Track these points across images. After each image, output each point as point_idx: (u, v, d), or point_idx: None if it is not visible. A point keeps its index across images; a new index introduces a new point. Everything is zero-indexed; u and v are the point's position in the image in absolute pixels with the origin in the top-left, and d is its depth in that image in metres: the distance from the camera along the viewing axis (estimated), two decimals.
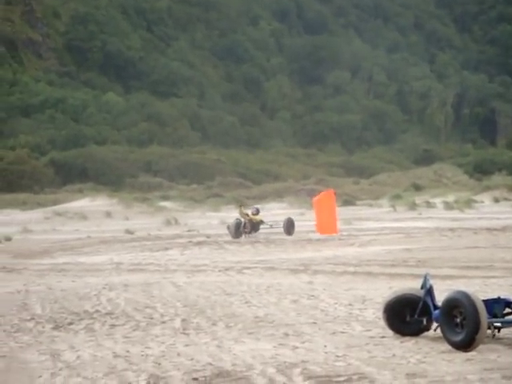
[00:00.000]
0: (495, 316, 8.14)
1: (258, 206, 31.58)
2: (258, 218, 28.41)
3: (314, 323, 9.89)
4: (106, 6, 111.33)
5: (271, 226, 28.61)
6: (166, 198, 59.22)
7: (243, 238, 27.20)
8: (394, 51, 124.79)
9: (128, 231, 32.30)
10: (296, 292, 13.21)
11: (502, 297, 8.50)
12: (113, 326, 10.20)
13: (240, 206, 29.58)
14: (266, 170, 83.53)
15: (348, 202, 53.84)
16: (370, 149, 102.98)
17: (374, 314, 10.19)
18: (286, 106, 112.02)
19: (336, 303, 11.68)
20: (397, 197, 56.55)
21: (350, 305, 11.45)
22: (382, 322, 8.96)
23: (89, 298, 13.18)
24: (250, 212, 28.67)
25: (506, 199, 53.44)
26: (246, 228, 27.37)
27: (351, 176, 78.89)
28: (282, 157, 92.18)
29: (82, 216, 46.24)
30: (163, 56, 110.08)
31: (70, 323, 10.51)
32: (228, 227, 27.88)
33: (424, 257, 19.40)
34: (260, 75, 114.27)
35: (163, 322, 10.31)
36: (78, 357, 8.16)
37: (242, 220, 27.62)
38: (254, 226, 27.90)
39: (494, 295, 8.79)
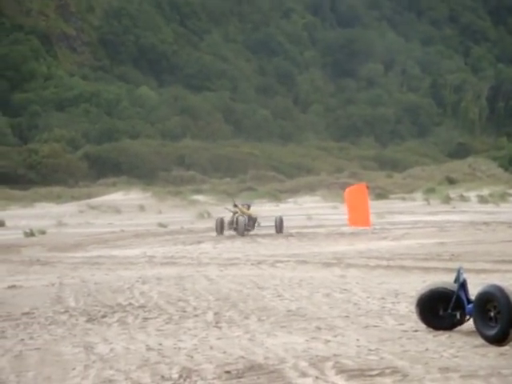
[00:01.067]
0: None
1: (249, 202, 29.76)
2: (253, 214, 27.06)
3: (347, 317, 9.87)
4: (139, 0, 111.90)
5: (259, 225, 26.74)
6: (198, 191, 59.34)
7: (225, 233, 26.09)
8: (428, 44, 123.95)
9: (161, 225, 32.42)
10: (328, 286, 13.19)
11: None
12: (146, 319, 10.25)
13: (235, 204, 26.97)
14: (299, 163, 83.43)
15: (381, 195, 53.55)
16: (404, 142, 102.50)
17: (407, 308, 10.15)
18: (318, 100, 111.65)
19: (368, 297, 11.64)
20: (430, 190, 56.13)
21: (382, 298, 11.41)
22: (415, 316, 8.92)
23: (122, 291, 13.24)
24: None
25: None
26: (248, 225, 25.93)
27: (384, 170, 78.52)
28: (315, 150, 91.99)
29: (116, 209, 46.49)
30: (196, 50, 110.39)
31: (104, 316, 10.59)
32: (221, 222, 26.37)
33: (458, 251, 19.26)
34: (293, 68, 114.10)
35: (196, 316, 10.35)
36: (112, 349, 8.22)
37: (241, 217, 25.79)
38: (253, 222, 26.47)
39: None
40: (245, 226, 25.63)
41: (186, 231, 29.75)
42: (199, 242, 24.45)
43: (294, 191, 59.30)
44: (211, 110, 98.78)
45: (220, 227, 26.06)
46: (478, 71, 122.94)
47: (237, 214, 26.07)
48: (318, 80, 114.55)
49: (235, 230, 25.79)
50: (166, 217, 39.83)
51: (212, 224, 28.01)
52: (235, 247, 22.68)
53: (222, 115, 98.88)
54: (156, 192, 57.66)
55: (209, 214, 38.90)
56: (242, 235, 25.36)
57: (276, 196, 52.45)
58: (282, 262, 17.87)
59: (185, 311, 10.75)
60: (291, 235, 26.21)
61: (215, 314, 10.44)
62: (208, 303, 11.45)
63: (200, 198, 55.04)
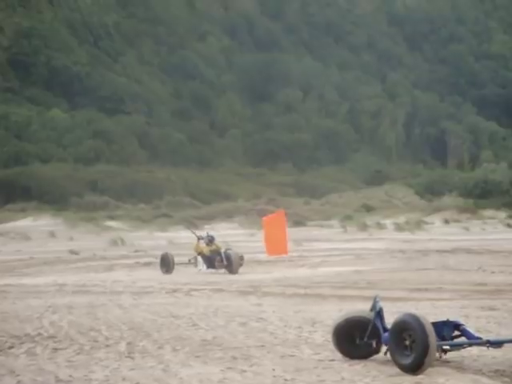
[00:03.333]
0: (444, 339, 8.26)
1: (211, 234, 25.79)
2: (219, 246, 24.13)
3: (263, 346, 9.92)
4: (51, 20, 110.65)
5: (189, 261, 24.45)
6: (112, 217, 58.85)
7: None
8: (345, 70, 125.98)
9: (73, 252, 32.04)
10: (244, 314, 13.23)
11: (450, 319, 8.63)
12: (55, 349, 10.09)
13: (209, 238, 24.13)
14: (216, 189, 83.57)
15: (299, 222, 54.10)
16: (321, 168, 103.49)
17: (324, 337, 10.26)
18: (236, 124, 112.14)
19: (285, 326, 11.73)
20: (348, 217, 57.05)
21: (299, 327, 11.51)
22: (332, 345, 9.04)
23: (30, 320, 13.02)
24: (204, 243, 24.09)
25: (456, 221, 54.29)
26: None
27: (302, 196, 79.35)
28: (232, 176, 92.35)
29: (25, 236, 45.71)
30: (110, 72, 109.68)
31: (11, 347, 10.37)
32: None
33: (374, 278, 19.61)
34: (209, 92, 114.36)
35: (108, 346, 10.24)
36: (19, 382, 8.07)
37: (230, 251, 23.46)
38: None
39: (443, 318, 8.92)
40: (239, 262, 23.18)
41: (98, 258, 29.48)
42: (112, 270, 24.24)
43: (211, 218, 59.36)
44: (126, 133, 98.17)
45: (167, 264, 23.42)
46: (395, 97, 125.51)
47: (210, 248, 23.53)
48: (235, 104, 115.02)
49: (221, 267, 23.11)
50: (77, 244, 39.37)
51: (126, 251, 27.80)
52: (150, 275, 22.56)
53: (137, 139, 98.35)
54: (67, 218, 56.95)
55: (122, 241, 38.59)
56: (236, 273, 22.80)
57: (192, 223, 52.30)
58: (197, 290, 17.88)
59: (96, 341, 10.63)
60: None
61: (128, 343, 10.36)
62: (121, 333, 11.36)
63: (113, 224, 54.60)
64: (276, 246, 26.98)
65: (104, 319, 12.91)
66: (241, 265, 23.35)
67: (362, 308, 9.88)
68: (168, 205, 69.45)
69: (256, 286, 18.37)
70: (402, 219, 53.52)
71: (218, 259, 23.12)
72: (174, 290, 17.82)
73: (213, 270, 23.24)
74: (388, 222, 52.55)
